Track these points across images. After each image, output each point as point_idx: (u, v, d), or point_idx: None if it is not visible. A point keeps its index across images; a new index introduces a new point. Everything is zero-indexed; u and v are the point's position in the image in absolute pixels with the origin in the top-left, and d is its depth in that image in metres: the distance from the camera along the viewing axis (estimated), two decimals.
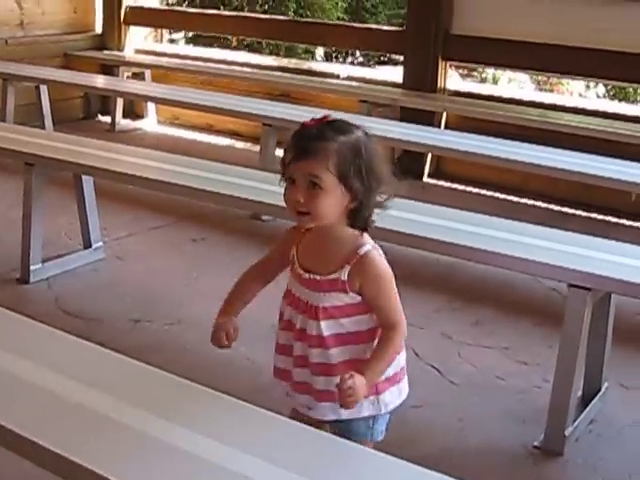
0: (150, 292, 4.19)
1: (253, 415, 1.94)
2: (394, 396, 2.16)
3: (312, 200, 1.98)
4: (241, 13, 8.87)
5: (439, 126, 6.24)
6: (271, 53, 9.26)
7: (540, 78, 9.67)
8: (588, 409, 3.16)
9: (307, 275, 2.09)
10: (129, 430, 1.83)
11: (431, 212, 3.57)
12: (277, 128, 5.34)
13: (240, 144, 7.32)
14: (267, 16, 8.19)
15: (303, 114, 5.42)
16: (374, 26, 6.59)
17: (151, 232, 5.04)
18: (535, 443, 3.02)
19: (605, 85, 9.95)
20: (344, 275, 2.03)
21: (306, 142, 1.97)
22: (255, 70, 7.25)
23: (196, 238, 4.96)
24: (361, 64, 9.89)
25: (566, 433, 2.97)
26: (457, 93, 6.46)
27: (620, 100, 9.83)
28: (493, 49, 6.05)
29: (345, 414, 2.08)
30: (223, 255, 4.71)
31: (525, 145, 5.01)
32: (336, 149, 1.96)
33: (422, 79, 6.29)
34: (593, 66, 5.84)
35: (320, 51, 10.08)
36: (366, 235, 2.09)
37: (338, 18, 9.58)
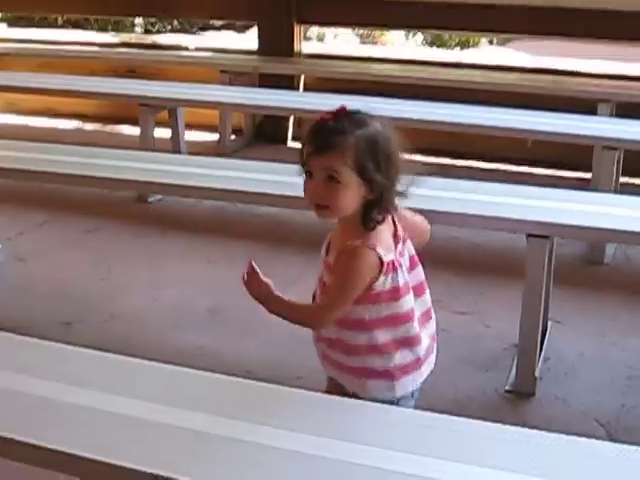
0: (68, 291, 4.04)
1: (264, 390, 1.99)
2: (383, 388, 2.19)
3: (330, 194, 2.01)
4: None
5: (298, 89, 6.28)
6: (100, 29, 8.93)
7: (363, 32, 9.91)
8: (544, 348, 3.35)
9: (324, 258, 2.19)
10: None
11: None
12: (155, 108, 5.21)
13: (89, 126, 7.10)
14: None
15: (177, 90, 5.42)
16: None
17: (41, 228, 4.84)
18: (507, 387, 3.18)
19: (423, 34, 10.32)
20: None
21: (324, 136, 2.00)
22: (98, 48, 7.01)
23: (90, 229, 4.80)
24: (185, 32, 9.74)
25: (536, 374, 3.15)
26: (312, 55, 6.53)
27: (438, 47, 10.23)
28: (346, 9, 6.14)
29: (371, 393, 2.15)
30: (125, 244, 4.61)
31: (389, 100, 4.98)
32: (353, 143, 1.98)
33: (278, 44, 6.31)
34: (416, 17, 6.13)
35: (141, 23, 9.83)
36: (375, 234, 2.07)
37: None
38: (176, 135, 5.47)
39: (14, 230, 4.77)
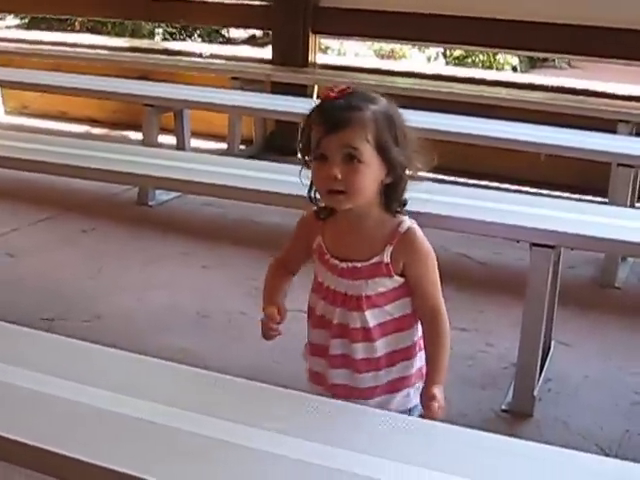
0: (55, 288, 3.90)
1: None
2: None
3: (351, 175, 1.81)
4: None
5: (311, 97, 6.14)
6: (117, 35, 8.88)
7: (384, 52, 9.82)
8: (545, 368, 3.17)
9: (344, 264, 1.93)
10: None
11: None
12: (159, 109, 5.10)
13: (98, 130, 7.00)
14: None
15: (184, 92, 5.30)
16: (240, 1, 6.38)
17: (36, 225, 4.71)
18: (503, 407, 3.01)
19: (445, 54, 10.23)
20: (387, 257, 1.89)
21: (338, 113, 1.81)
22: (110, 52, 6.92)
23: (86, 229, 4.67)
24: (210, 42, 9.69)
25: (534, 394, 2.97)
26: (326, 66, 6.42)
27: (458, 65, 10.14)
28: (364, 20, 6.01)
29: (394, 407, 1.97)
30: (120, 245, 4.48)
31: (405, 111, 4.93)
32: (372, 118, 1.82)
33: (292, 54, 6.20)
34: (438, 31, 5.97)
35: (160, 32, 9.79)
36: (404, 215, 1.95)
37: None
38: (181, 140, 5.34)
39: (8, 226, 4.64)
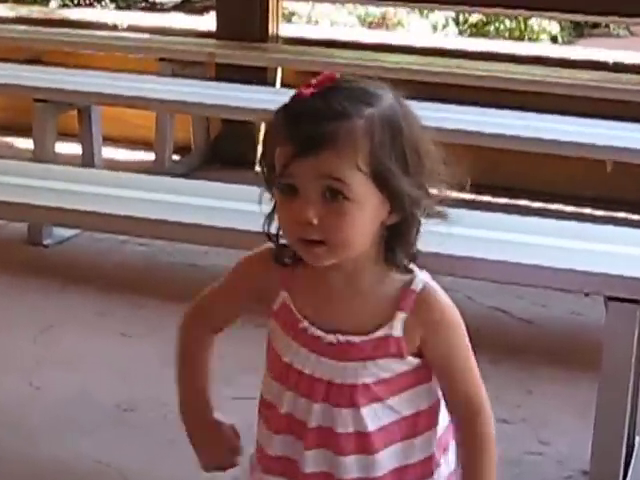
0: None
1: None
2: None
3: (333, 220, 1.62)
4: None
5: (274, 85, 6.10)
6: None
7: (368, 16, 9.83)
8: (629, 476, 3.05)
9: (333, 337, 1.75)
10: None
11: None
12: (57, 105, 4.99)
13: None
14: None
15: (92, 80, 5.17)
16: None
17: None
18: None
19: (457, 21, 10.25)
20: (397, 329, 1.72)
21: (313, 124, 1.61)
22: None
23: None
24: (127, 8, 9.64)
25: None
26: (293, 40, 6.39)
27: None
28: None
29: None
30: (7, 304, 4.30)
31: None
32: (366, 130, 1.61)
33: (245, 23, 6.13)
34: None
35: None
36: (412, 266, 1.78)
37: None
38: (89, 151, 5.21)
39: None
